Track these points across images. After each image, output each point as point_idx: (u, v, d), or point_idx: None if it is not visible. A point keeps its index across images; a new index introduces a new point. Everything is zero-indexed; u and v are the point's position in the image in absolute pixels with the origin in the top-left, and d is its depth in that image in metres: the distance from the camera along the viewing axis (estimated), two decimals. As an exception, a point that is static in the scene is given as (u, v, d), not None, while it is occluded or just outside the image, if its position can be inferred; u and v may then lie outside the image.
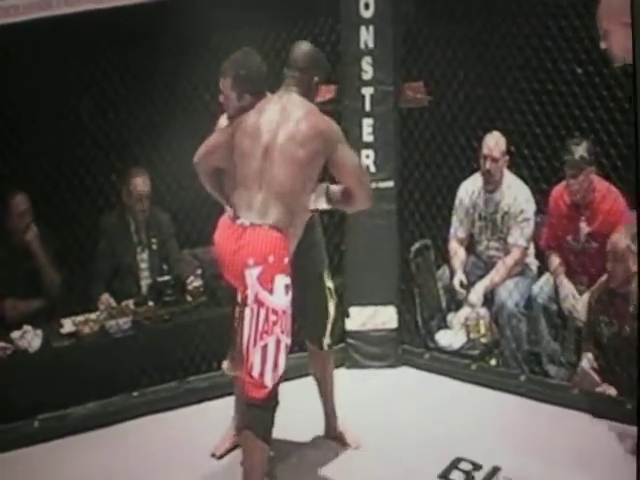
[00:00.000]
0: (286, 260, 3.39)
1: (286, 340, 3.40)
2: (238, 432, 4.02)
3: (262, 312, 3.34)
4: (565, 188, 4.85)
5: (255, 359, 3.35)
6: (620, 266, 4.37)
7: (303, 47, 3.68)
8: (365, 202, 3.63)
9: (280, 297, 3.36)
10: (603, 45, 3.43)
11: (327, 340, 3.91)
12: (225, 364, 3.74)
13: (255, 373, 3.36)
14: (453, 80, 5.03)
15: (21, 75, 4.61)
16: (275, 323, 3.35)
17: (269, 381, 3.37)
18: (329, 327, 3.90)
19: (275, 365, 3.37)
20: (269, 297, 3.34)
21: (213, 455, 4.03)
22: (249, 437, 3.43)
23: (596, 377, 4.44)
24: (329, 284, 3.89)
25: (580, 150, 4.69)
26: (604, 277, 4.50)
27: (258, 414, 3.42)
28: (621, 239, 4.40)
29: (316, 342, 3.91)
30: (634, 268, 4.39)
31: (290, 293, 3.40)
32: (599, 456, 3.99)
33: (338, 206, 3.67)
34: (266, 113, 3.49)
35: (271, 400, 3.42)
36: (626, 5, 3.32)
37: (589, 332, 4.56)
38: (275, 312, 3.36)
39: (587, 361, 4.51)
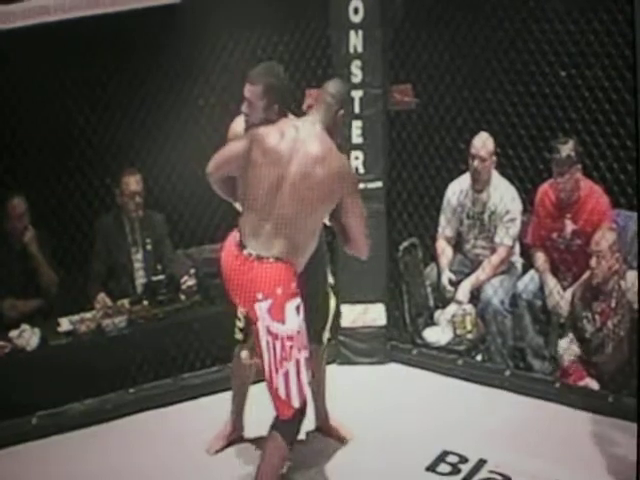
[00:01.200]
0: (294, 285, 3.38)
1: (305, 355, 3.42)
2: (233, 428, 4.06)
3: (277, 344, 3.36)
4: (551, 186, 4.86)
5: (280, 385, 3.38)
6: (603, 264, 4.39)
7: (338, 82, 3.66)
8: (362, 251, 3.61)
9: (292, 322, 3.37)
10: None
11: (327, 334, 3.92)
12: (244, 354, 3.73)
13: (282, 396, 3.39)
14: (440, 83, 5.05)
15: (19, 80, 4.61)
16: (292, 347, 3.37)
17: (296, 402, 3.40)
18: (329, 322, 3.92)
19: (299, 386, 3.40)
20: (281, 327, 3.35)
21: (207, 452, 4.04)
22: (276, 439, 3.44)
23: None
24: (330, 280, 3.91)
25: (567, 149, 4.70)
26: (587, 274, 4.53)
27: (287, 427, 3.44)
28: (604, 237, 4.42)
29: (315, 338, 3.86)
30: (616, 266, 4.42)
31: (302, 311, 3.40)
32: (581, 447, 4.02)
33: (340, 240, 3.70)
34: (285, 141, 3.40)
35: (299, 415, 3.46)
36: None
37: (572, 327, 4.58)
38: (290, 338, 3.37)
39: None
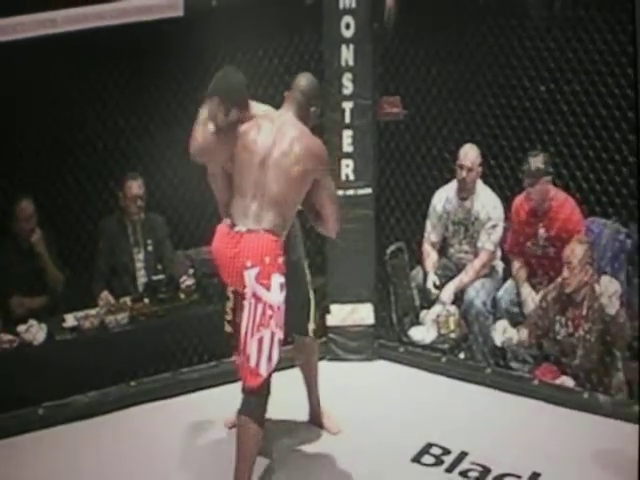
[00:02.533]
0: (281, 260, 3.45)
1: (280, 334, 3.45)
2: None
3: (259, 307, 3.40)
4: (525, 197, 4.90)
5: (252, 350, 3.40)
6: (574, 274, 4.40)
7: (309, 78, 3.74)
8: (332, 230, 3.74)
9: (276, 294, 3.42)
10: None
11: (312, 325, 3.93)
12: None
13: (252, 363, 3.41)
14: (427, 95, 5.05)
15: (29, 90, 4.62)
16: (271, 317, 3.41)
17: (264, 371, 3.42)
18: (312, 312, 3.93)
19: (269, 357, 3.42)
20: (266, 293, 3.40)
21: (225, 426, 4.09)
22: (245, 421, 3.47)
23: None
24: (307, 272, 3.92)
25: (537, 162, 4.73)
26: (559, 279, 4.54)
27: (254, 400, 3.47)
28: (575, 250, 4.42)
29: (302, 330, 3.91)
30: (586, 278, 4.44)
31: (284, 291, 3.45)
32: (558, 440, 4.04)
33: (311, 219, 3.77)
34: (264, 130, 3.56)
35: (265, 388, 3.47)
36: None
37: (543, 329, 4.60)
38: (271, 307, 3.41)
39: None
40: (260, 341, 3.41)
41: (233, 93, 3.65)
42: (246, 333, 3.42)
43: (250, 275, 3.40)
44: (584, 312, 4.43)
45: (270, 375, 3.47)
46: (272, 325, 3.42)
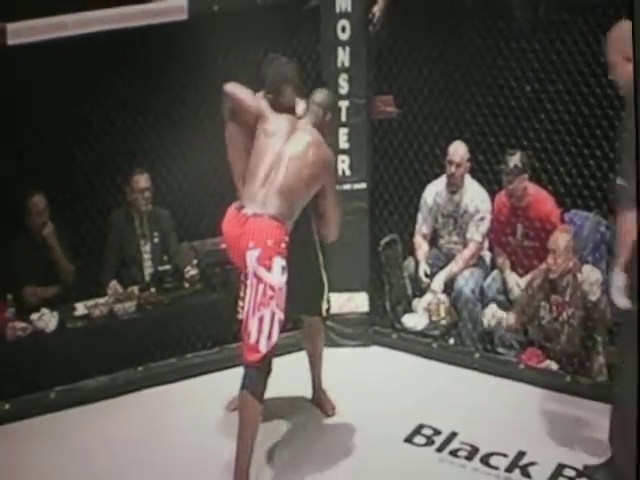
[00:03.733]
0: (283, 245, 3.46)
1: (280, 315, 3.45)
2: None
3: (260, 287, 3.41)
4: (504, 194, 4.92)
5: (252, 328, 3.41)
6: (558, 262, 4.42)
7: (324, 91, 3.88)
8: (332, 234, 3.82)
9: (277, 275, 3.43)
10: (610, 76, 3.52)
11: (325, 305, 3.96)
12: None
13: (252, 340, 3.42)
14: (419, 95, 5.05)
15: (41, 89, 4.62)
16: (272, 298, 3.41)
17: (263, 347, 3.42)
18: (325, 292, 3.96)
19: (269, 334, 3.42)
20: (267, 274, 3.41)
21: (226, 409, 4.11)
22: (245, 396, 3.47)
23: None
24: (320, 253, 3.94)
25: (514, 160, 4.76)
26: (544, 266, 4.57)
27: (253, 375, 3.46)
28: (560, 238, 4.45)
29: (315, 310, 3.94)
30: (570, 265, 4.46)
31: (286, 274, 3.45)
32: (543, 421, 4.08)
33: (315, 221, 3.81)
34: (283, 127, 3.63)
35: (264, 365, 3.46)
36: (630, 41, 3.41)
37: (529, 314, 4.61)
38: (272, 288, 3.42)
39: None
40: (261, 320, 3.42)
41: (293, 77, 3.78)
42: (247, 311, 3.44)
43: (252, 256, 3.41)
44: (567, 298, 4.45)
45: (270, 353, 3.46)
46: (272, 305, 3.42)
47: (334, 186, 3.76)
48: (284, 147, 3.59)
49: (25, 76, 4.48)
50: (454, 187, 5.04)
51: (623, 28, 3.52)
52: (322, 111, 3.76)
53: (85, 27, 4.31)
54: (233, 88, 3.74)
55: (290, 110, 3.75)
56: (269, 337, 3.43)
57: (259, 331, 3.42)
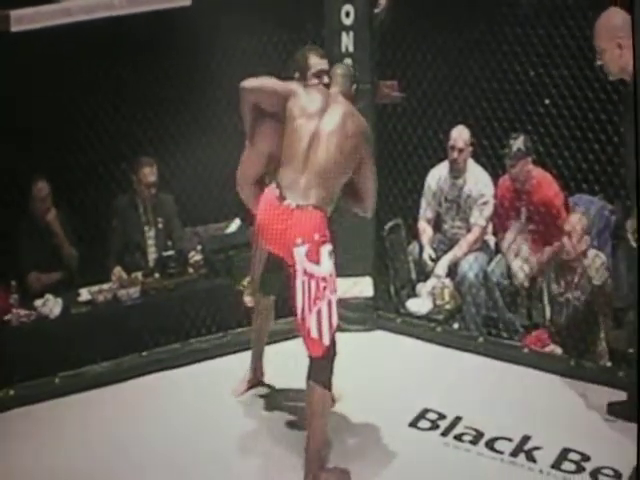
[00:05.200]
0: (327, 232, 3.35)
1: (334, 298, 3.37)
2: (253, 374, 4.06)
3: (312, 283, 3.29)
4: (508, 177, 4.90)
5: (312, 323, 3.31)
6: (573, 243, 4.40)
7: (343, 65, 3.87)
8: (370, 208, 3.67)
9: (326, 264, 3.32)
10: (599, 61, 3.49)
11: None
12: (247, 298, 3.73)
13: (314, 334, 3.32)
14: (423, 79, 5.02)
15: (47, 77, 4.61)
16: (325, 288, 3.32)
17: (327, 340, 3.34)
18: None
19: (330, 324, 3.34)
20: (317, 268, 3.29)
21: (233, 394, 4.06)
22: (313, 387, 3.38)
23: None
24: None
25: (517, 144, 4.75)
26: (555, 248, 4.53)
27: (321, 366, 3.38)
28: (578, 219, 4.44)
29: None
30: (584, 247, 4.44)
31: (333, 257, 3.36)
32: (547, 405, 4.04)
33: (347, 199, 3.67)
34: (317, 101, 3.46)
35: (330, 353, 3.39)
36: (622, 27, 3.40)
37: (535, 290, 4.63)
38: (324, 279, 3.31)
39: None
40: (319, 313, 3.31)
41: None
42: (303, 309, 3.32)
43: (300, 252, 3.28)
44: (576, 280, 4.44)
45: (333, 339, 3.39)
46: (327, 294, 3.33)
47: (371, 157, 3.59)
48: (320, 123, 3.41)
49: (29, 63, 4.47)
50: (457, 172, 5.02)
51: (611, 14, 3.51)
52: (348, 82, 3.65)
53: (89, 13, 4.29)
54: (252, 80, 3.56)
55: (318, 82, 3.63)
56: (330, 326, 3.35)
57: (319, 324, 3.32)
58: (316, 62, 3.64)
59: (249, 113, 3.57)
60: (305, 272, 3.29)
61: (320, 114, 3.43)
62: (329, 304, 3.33)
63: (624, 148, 3.78)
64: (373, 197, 3.63)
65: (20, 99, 4.60)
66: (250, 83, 3.55)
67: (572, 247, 4.40)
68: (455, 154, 4.95)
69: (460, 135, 4.95)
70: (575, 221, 4.44)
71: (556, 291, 4.50)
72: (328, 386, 3.40)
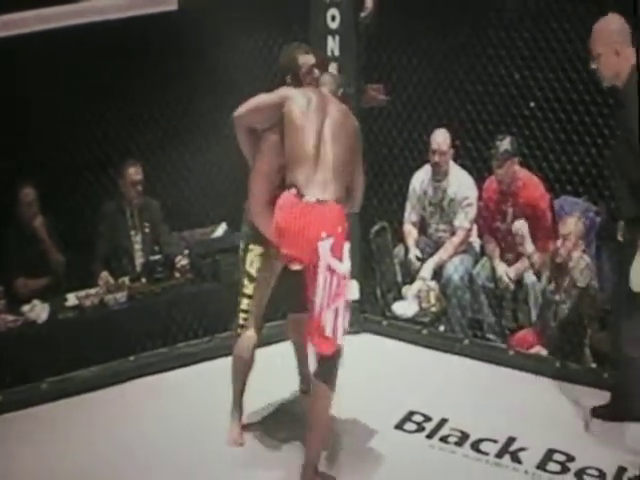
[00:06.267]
0: (347, 228, 3.34)
1: (348, 300, 3.37)
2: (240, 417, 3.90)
3: (334, 279, 3.26)
4: (494, 178, 4.89)
5: (327, 320, 3.28)
6: (567, 246, 4.42)
7: (332, 73, 3.94)
8: (359, 204, 3.65)
9: (347, 263, 3.32)
10: (593, 65, 3.51)
11: None
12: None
13: (328, 332, 3.29)
14: (408, 83, 5.03)
15: (32, 82, 4.60)
16: (344, 287, 3.30)
17: (340, 339, 3.32)
18: None
19: (344, 325, 3.33)
20: (340, 265, 3.27)
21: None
22: (320, 386, 3.36)
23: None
24: None
25: (504, 145, 4.73)
26: (550, 252, 4.56)
27: (330, 366, 3.36)
28: (578, 223, 4.45)
29: (305, 309, 3.89)
30: (579, 250, 4.46)
31: (350, 257, 3.35)
32: (532, 406, 4.05)
33: None
34: (314, 101, 3.42)
35: (339, 354, 3.37)
36: (619, 33, 3.43)
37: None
38: (344, 277, 3.30)
39: None
40: (336, 311, 3.29)
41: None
42: (321, 305, 3.28)
43: (325, 247, 3.23)
44: (565, 283, 4.45)
45: (342, 343, 3.38)
46: (345, 293, 3.32)
47: (360, 154, 3.57)
48: (324, 121, 3.39)
49: (15, 69, 4.45)
50: (439, 175, 5.02)
51: (609, 20, 3.53)
52: (335, 85, 3.66)
53: (76, 18, 4.27)
54: (241, 107, 3.50)
55: (311, 83, 3.62)
56: (344, 328, 3.34)
57: (335, 322, 3.30)
58: (305, 60, 3.63)
59: (247, 139, 3.53)
60: (328, 268, 3.25)
61: (320, 112, 3.40)
62: (345, 304, 3.33)
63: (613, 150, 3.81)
64: (361, 195, 3.62)
65: (6, 104, 4.59)
66: (240, 110, 3.50)
67: (566, 250, 4.41)
68: (436, 157, 4.97)
69: (440, 138, 4.96)
70: (569, 225, 4.44)
71: (549, 293, 4.51)
72: (333, 386, 3.39)
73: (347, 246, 3.33)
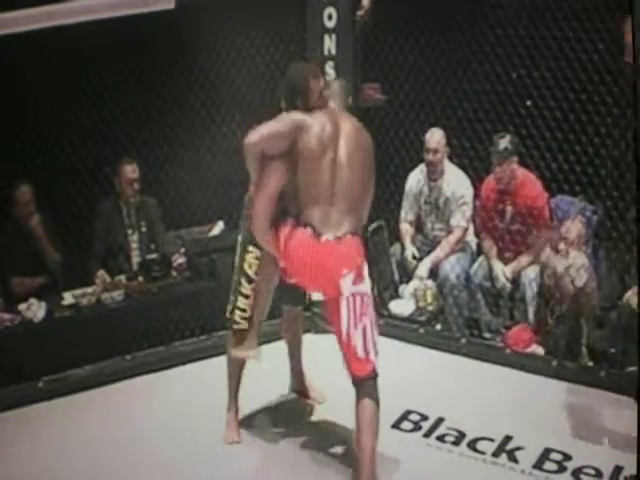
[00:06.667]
0: (363, 252, 3.36)
1: (375, 315, 3.38)
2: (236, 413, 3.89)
3: (357, 299, 3.28)
4: (493, 177, 4.88)
5: (357, 342, 3.29)
6: (570, 249, 4.42)
7: (340, 80, 3.87)
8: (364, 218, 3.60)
9: (368, 282, 3.34)
10: (627, 58, 3.47)
11: (308, 295, 3.90)
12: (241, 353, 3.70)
13: (360, 353, 3.30)
14: (405, 82, 5.03)
15: (28, 81, 4.58)
16: (368, 305, 3.32)
17: (373, 356, 3.32)
18: None
19: (374, 341, 3.32)
20: (361, 287, 3.30)
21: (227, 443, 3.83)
22: (367, 405, 3.33)
23: None
24: None
25: (504, 143, 4.72)
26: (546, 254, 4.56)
27: (370, 385, 3.35)
28: (575, 225, 4.45)
29: (301, 301, 3.89)
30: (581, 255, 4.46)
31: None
32: (529, 405, 4.05)
33: None
34: (327, 127, 3.34)
35: (376, 371, 3.36)
36: None
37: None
38: (367, 295, 3.32)
39: None
40: (364, 330, 3.29)
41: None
42: (348, 327, 3.28)
43: (347, 281, 3.26)
44: (563, 282, 4.44)
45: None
46: (370, 310, 3.32)
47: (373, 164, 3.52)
48: (338, 149, 3.32)
49: (9, 67, 4.43)
50: (434, 174, 5.02)
51: None
52: (345, 96, 3.65)
53: (72, 17, 4.25)
54: (254, 134, 3.37)
55: (321, 105, 3.48)
56: (374, 344, 3.33)
57: (364, 341, 3.30)
58: (316, 84, 3.46)
59: (256, 163, 3.43)
60: (352, 294, 3.29)
61: (335, 139, 3.33)
62: (371, 320, 3.32)
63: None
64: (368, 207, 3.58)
65: (1, 103, 4.58)
66: (253, 137, 3.37)
67: (566, 252, 4.41)
68: (430, 156, 4.96)
69: (435, 137, 4.95)
70: (570, 228, 4.45)
71: (547, 292, 4.51)
72: (378, 400, 3.37)
73: (366, 266, 3.34)
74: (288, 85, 3.49)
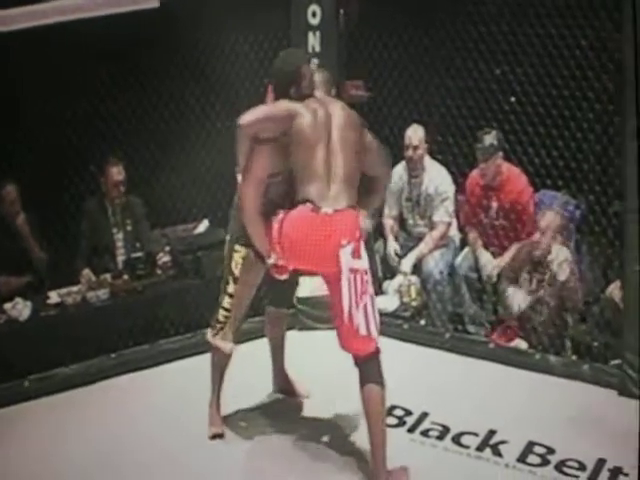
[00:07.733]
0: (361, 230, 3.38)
1: (372, 291, 3.37)
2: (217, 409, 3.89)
3: (358, 277, 3.29)
4: (479, 172, 4.88)
5: (359, 320, 3.30)
6: (547, 239, 4.44)
7: (322, 70, 3.82)
8: (382, 198, 3.73)
9: (364, 257, 3.34)
10: None
11: (295, 297, 3.98)
12: (219, 342, 3.70)
13: (363, 331, 3.31)
14: (388, 79, 5.01)
15: (13, 80, 4.57)
16: (367, 281, 3.32)
17: (375, 333, 3.34)
18: (297, 287, 3.96)
19: (375, 318, 3.34)
20: (360, 262, 3.30)
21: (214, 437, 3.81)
22: (372, 389, 3.37)
23: None
24: None
25: (489, 139, 4.72)
26: (526, 246, 4.56)
27: (374, 364, 3.38)
28: (556, 217, 4.46)
29: (288, 303, 3.91)
30: (557, 244, 4.46)
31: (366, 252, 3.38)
32: (512, 399, 4.07)
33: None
34: (319, 113, 3.38)
35: (379, 350, 3.39)
36: None
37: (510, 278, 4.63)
38: (365, 272, 3.32)
39: None
40: (365, 308, 3.30)
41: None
42: (350, 306, 3.29)
43: (346, 252, 3.27)
44: (546, 277, 4.46)
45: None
46: (369, 288, 3.33)
47: (375, 144, 3.57)
48: (332, 131, 3.37)
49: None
50: (415, 171, 5.02)
51: None
52: (329, 86, 3.68)
53: (56, 16, 4.23)
54: (249, 115, 3.37)
55: (311, 92, 3.53)
56: (376, 321, 3.35)
57: (366, 319, 3.31)
58: (307, 70, 3.52)
59: (248, 146, 3.43)
60: (351, 270, 3.29)
61: (328, 123, 3.38)
62: (371, 298, 3.35)
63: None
64: (383, 187, 3.62)
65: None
66: (248, 118, 3.37)
67: (545, 245, 4.42)
68: (410, 152, 4.96)
69: (414, 133, 4.95)
70: (547, 219, 4.45)
71: (527, 287, 4.51)
72: (384, 384, 3.39)
73: (363, 243, 3.36)
74: (280, 70, 3.51)
